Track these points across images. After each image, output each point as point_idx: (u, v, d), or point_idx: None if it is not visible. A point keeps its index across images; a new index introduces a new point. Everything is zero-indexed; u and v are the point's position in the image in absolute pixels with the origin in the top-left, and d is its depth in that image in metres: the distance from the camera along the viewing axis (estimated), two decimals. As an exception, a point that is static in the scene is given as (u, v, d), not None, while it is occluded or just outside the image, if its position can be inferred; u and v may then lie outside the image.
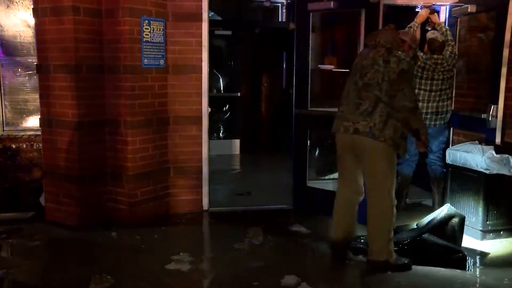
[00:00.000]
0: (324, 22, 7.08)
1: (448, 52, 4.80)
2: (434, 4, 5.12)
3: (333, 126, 3.78)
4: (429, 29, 5.08)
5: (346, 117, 3.63)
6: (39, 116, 4.74)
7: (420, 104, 4.71)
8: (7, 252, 4.03)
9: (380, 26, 4.32)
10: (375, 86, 3.53)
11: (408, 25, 4.82)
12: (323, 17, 6.94)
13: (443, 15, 5.38)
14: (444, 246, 3.82)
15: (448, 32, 4.87)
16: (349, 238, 3.88)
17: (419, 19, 4.90)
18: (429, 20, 5.05)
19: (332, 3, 4.54)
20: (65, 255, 4.03)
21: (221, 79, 8.79)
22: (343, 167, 3.84)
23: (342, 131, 3.66)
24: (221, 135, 8.57)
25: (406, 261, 3.68)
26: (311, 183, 5.23)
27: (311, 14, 4.86)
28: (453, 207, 4.20)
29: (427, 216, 4.18)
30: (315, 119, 4.93)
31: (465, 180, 4.39)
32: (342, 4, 4.55)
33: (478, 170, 4.22)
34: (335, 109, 4.66)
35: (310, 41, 4.92)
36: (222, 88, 8.71)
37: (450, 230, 3.97)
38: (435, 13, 5.02)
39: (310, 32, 4.92)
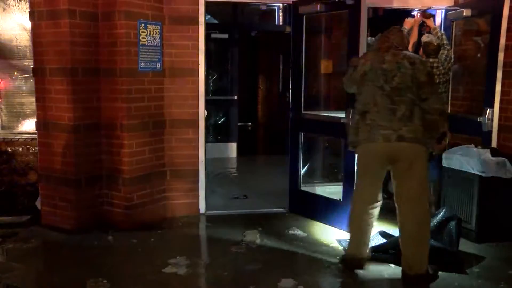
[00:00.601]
0: (321, 26, 7.11)
1: (444, 56, 4.82)
2: (429, 8, 5.15)
3: (363, 136, 3.55)
4: (424, 33, 5.10)
5: (383, 125, 3.46)
6: (35, 120, 4.74)
7: None
8: (3, 256, 4.01)
9: (363, 28, 4.28)
10: (406, 89, 3.44)
11: None
12: (320, 21, 6.96)
13: (439, 19, 5.40)
14: (441, 249, 3.82)
15: (443, 36, 4.90)
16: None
17: (407, 25, 4.94)
18: (425, 24, 5.08)
19: (318, 5, 4.59)
20: (60, 259, 4.01)
21: (217, 82, 8.79)
22: (369, 178, 3.65)
23: (381, 141, 3.46)
24: (217, 138, 8.56)
25: (434, 269, 3.64)
26: (308, 187, 5.23)
27: (304, 17, 4.88)
28: (450, 210, 4.20)
29: None
30: (308, 122, 4.95)
31: (461, 183, 4.40)
32: (328, 7, 4.58)
33: (474, 173, 4.23)
34: (328, 112, 4.67)
35: (304, 45, 4.93)
36: (218, 91, 8.70)
37: (447, 233, 3.97)
38: (431, 18, 5.04)
39: (304, 36, 4.93)
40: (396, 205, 3.61)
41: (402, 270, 3.59)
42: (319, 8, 4.59)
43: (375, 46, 3.74)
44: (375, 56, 3.63)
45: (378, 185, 3.67)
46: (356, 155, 3.84)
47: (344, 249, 4.01)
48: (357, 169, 3.83)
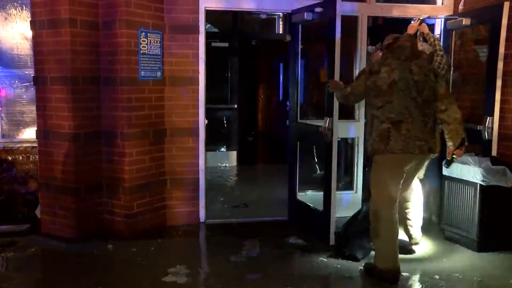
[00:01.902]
0: (322, 35, 7.12)
1: (437, 63, 4.71)
2: (429, 17, 5.16)
3: (398, 145, 3.58)
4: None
5: (417, 136, 3.57)
6: (35, 128, 4.74)
7: None
8: (2, 265, 3.99)
9: (338, 36, 4.24)
10: (431, 102, 3.62)
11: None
12: (322, 30, 6.98)
13: (438, 28, 5.42)
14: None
15: (436, 42, 4.79)
16: None
17: (411, 31, 4.88)
18: (418, 30, 5.06)
19: (305, 14, 4.63)
20: (60, 267, 3.99)
21: (217, 91, 8.81)
22: (395, 183, 3.72)
23: (417, 152, 3.59)
24: (218, 147, 8.56)
25: None
26: (309, 194, 5.21)
27: (300, 26, 4.91)
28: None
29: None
30: (303, 131, 4.96)
31: (461, 192, 4.40)
32: (313, 16, 4.62)
33: (475, 181, 4.23)
34: (317, 121, 4.67)
35: (300, 53, 4.96)
36: (218, 100, 8.71)
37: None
38: (423, 23, 5.02)
39: (299, 44, 4.96)
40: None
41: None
42: (305, 17, 4.65)
43: (401, 56, 3.71)
44: (400, 65, 3.65)
45: (399, 186, 3.80)
46: (378, 162, 3.74)
47: (370, 264, 3.83)
48: (377, 176, 3.75)
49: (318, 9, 4.43)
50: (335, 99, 4.21)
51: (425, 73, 3.64)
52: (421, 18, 4.83)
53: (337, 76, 4.23)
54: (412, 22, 4.98)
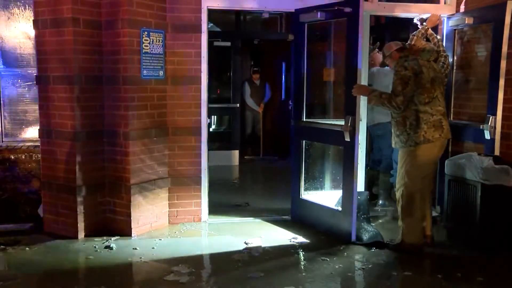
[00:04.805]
0: (326, 34, 7.12)
1: (441, 63, 4.71)
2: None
3: (446, 131, 4.14)
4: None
5: (446, 124, 4.18)
6: (38, 127, 4.75)
7: None
8: (4, 264, 4.00)
9: (360, 36, 4.27)
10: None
11: (413, 33, 4.75)
12: (325, 29, 6.98)
13: (441, 27, 5.40)
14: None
15: (440, 42, 4.79)
16: None
17: (429, 24, 4.73)
18: (422, 29, 5.04)
19: (318, 13, 4.62)
20: (62, 267, 4.00)
21: (219, 90, 8.81)
22: (435, 168, 4.38)
23: (449, 137, 4.26)
24: (220, 146, 8.57)
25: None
26: (315, 193, 5.21)
27: (306, 25, 4.90)
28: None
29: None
30: (309, 130, 4.96)
31: (464, 191, 4.39)
32: (328, 15, 4.61)
33: (477, 180, 4.22)
34: (329, 120, 4.68)
35: (306, 52, 4.95)
36: (221, 99, 8.72)
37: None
38: (424, 23, 5.00)
39: (306, 44, 4.94)
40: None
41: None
42: (319, 16, 4.63)
43: (430, 58, 4.28)
44: (429, 66, 4.17)
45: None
46: (425, 150, 4.10)
47: (400, 241, 4.27)
48: (425, 162, 4.13)
49: (347, 10, 4.36)
50: (357, 98, 4.33)
51: (443, 73, 4.37)
52: (424, 17, 4.83)
53: (359, 79, 4.28)
54: (415, 20, 4.95)
